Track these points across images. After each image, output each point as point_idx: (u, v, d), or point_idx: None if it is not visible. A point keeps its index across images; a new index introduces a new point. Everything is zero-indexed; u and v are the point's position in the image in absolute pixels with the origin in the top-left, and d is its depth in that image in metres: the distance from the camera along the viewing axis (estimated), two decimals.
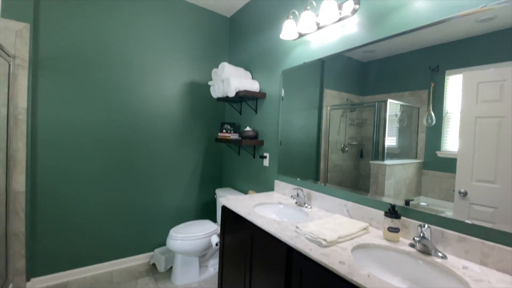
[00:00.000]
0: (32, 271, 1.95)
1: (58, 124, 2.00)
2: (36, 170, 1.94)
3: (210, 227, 2.19)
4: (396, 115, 1.28)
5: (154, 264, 2.35)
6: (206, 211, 2.74)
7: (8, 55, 1.75)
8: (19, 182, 1.85)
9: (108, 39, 2.16)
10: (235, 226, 1.55)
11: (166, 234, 2.50)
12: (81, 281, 2.08)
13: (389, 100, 1.31)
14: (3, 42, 1.74)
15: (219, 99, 2.44)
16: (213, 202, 2.75)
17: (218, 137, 2.46)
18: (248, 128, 2.21)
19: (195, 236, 2.05)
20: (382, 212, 1.25)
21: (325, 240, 1.04)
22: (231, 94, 2.11)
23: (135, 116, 2.31)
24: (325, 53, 1.63)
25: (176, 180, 2.55)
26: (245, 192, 2.37)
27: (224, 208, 1.67)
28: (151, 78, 2.37)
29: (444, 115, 1.08)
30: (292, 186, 1.82)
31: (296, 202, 1.65)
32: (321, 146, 1.67)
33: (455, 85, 1.04)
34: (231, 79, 2.09)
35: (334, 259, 0.93)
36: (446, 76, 1.07)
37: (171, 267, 2.27)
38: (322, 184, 1.62)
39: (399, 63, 1.25)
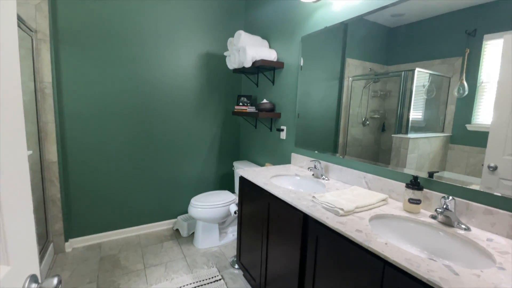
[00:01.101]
0: (70, 233, 2.17)
1: (82, 96, 2.07)
2: (65, 141, 2.06)
3: (229, 197, 2.28)
4: (423, 85, 1.20)
5: (177, 230, 2.53)
6: (224, 182, 2.84)
7: (30, 30, 1.77)
8: (52, 152, 1.98)
9: (125, 11, 2.12)
10: (252, 196, 1.60)
11: (187, 202, 2.64)
12: (113, 242, 2.29)
13: (417, 69, 1.22)
14: (24, 16, 1.76)
15: (235, 70, 2.39)
16: (231, 174, 2.84)
17: (235, 110, 2.46)
18: (265, 101, 2.18)
19: (215, 204, 2.16)
20: (403, 184, 1.24)
21: (342, 209, 1.06)
22: (248, 64, 2.06)
23: (154, 88, 2.34)
24: (349, 15, 1.52)
25: (195, 152, 2.62)
26: (262, 165, 2.41)
27: (241, 179, 1.72)
28: (167, 50, 2.35)
29: (478, 85, 1.00)
30: (309, 159, 1.82)
31: (313, 174, 1.67)
32: (341, 119, 1.62)
33: (493, 51, 0.95)
34: (247, 48, 2.03)
35: (351, 227, 0.96)
36: (484, 42, 0.98)
37: (193, 233, 2.43)
38: (341, 156, 1.60)
39: (430, 27, 1.14)
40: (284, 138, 2.10)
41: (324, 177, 1.61)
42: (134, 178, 2.37)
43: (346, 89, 1.58)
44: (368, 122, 1.46)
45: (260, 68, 2.18)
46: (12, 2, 0.53)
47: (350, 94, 1.56)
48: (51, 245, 2.05)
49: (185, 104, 2.51)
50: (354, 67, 1.53)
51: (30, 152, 1.26)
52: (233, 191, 2.67)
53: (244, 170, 1.77)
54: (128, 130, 2.28)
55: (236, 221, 2.48)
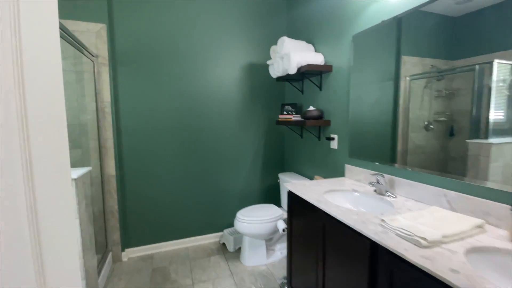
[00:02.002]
0: (126, 243, 2.28)
1: (136, 113, 2.20)
2: (122, 155, 2.20)
3: (275, 212, 2.14)
4: (504, 80, 0.95)
5: (224, 244, 2.47)
6: (270, 195, 2.72)
7: (92, 55, 1.95)
8: (110, 166, 2.12)
9: (173, 30, 2.23)
10: (303, 213, 1.44)
11: (233, 215, 2.58)
12: (164, 254, 2.34)
13: (496, 61, 0.97)
14: (86, 43, 1.95)
15: (278, 78, 2.30)
16: (277, 186, 2.70)
17: (279, 119, 2.34)
18: (311, 108, 2.02)
19: (261, 219, 2.04)
20: (505, 206, 0.95)
21: (424, 238, 0.84)
22: (292, 70, 1.94)
23: (199, 102, 2.37)
24: (406, 7, 1.29)
25: (240, 163, 2.57)
26: (311, 178, 2.23)
27: (290, 194, 1.58)
28: (211, 64, 2.38)
29: None
30: (368, 172, 1.59)
31: (375, 190, 1.43)
32: (399, 124, 1.40)
33: None
34: (291, 54, 1.91)
35: (443, 266, 0.73)
36: None
37: (240, 248, 2.35)
38: (409, 168, 1.35)
39: (509, 11, 0.90)
40: (336, 147, 1.90)
41: (389, 193, 1.36)
42: (183, 190, 2.41)
43: (403, 90, 1.38)
44: (432, 126, 1.24)
45: (306, 74, 2.04)
46: (56, 36, 0.50)
47: (409, 95, 1.35)
48: (110, 254, 2.17)
49: (229, 115, 2.49)
50: (411, 65, 1.34)
51: (90, 168, 1.33)
52: (279, 205, 2.53)
53: (293, 184, 1.62)
54: (177, 143, 2.35)
55: (283, 238, 2.31)
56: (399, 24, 1.37)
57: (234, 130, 2.52)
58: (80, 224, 1.18)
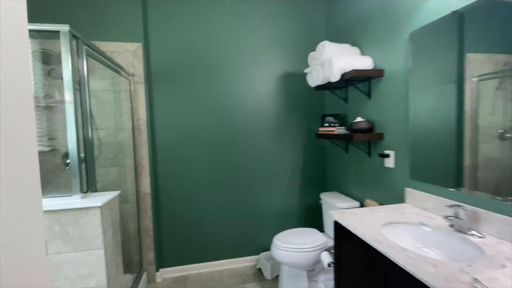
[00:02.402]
0: (160, 262, 2.22)
1: (171, 130, 2.17)
2: (157, 173, 2.17)
3: (318, 239, 1.88)
4: None
5: (260, 269, 2.27)
6: (310, 217, 2.45)
7: (129, 74, 1.98)
8: (145, 184, 2.10)
9: (206, 46, 2.18)
10: (355, 252, 1.17)
11: (269, 237, 2.37)
12: (198, 276, 2.22)
13: None
14: (123, 63, 1.98)
15: (318, 87, 2.07)
16: (318, 207, 2.42)
17: (319, 132, 2.10)
18: (359, 119, 1.75)
19: (301, 248, 1.80)
20: None
21: None
22: (335, 78, 1.70)
23: (233, 116, 2.26)
24: None
25: (277, 181, 2.37)
26: (360, 200, 1.92)
27: (337, 225, 1.32)
28: (245, 77, 2.26)
29: None
30: (437, 198, 1.26)
31: (451, 225, 1.11)
32: (465, 134, 1.14)
33: None
34: (333, 60, 1.68)
35: None
36: None
37: (278, 275, 2.12)
38: (498, 198, 1.00)
39: None
40: (392, 166, 1.58)
41: (473, 232, 1.03)
42: (218, 209, 2.29)
43: (469, 92, 1.10)
44: (509, 135, 0.99)
45: (351, 80, 1.78)
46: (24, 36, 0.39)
47: (476, 99, 1.10)
48: (145, 274, 2.12)
49: (264, 129, 2.32)
50: (478, 63, 1.10)
51: (118, 192, 1.27)
52: (321, 229, 2.24)
53: (340, 213, 1.36)
54: (211, 160, 2.25)
55: (328, 269, 2.02)
56: (461, 17, 1.10)
57: (270, 145, 2.34)
58: (105, 254, 1.10)
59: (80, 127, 1.22)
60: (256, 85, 2.29)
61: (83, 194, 1.14)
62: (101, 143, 2.03)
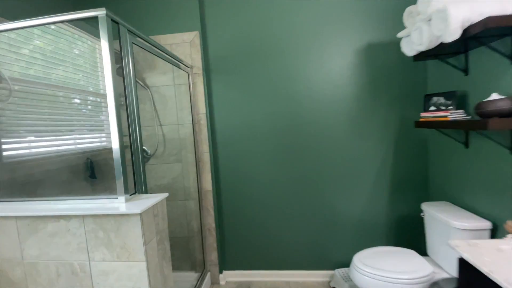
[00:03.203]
0: (224, 264, 2.10)
1: (231, 123, 1.98)
2: (218, 169, 2.03)
3: (420, 267, 1.35)
4: None
5: None
6: (404, 233, 1.87)
7: (187, 66, 1.86)
8: (207, 181, 1.99)
9: (267, 27, 1.87)
10: None
11: (347, 251, 1.94)
12: (262, 284, 2.00)
13: None
14: (181, 55, 1.88)
15: (418, 56, 1.48)
16: (416, 220, 1.82)
17: (422, 119, 1.52)
18: (495, 96, 1.12)
19: (395, 278, 1.31)
20: None
21: None
22: (452, 35, 1.12)
23: (301, 104, 1.90)
24: None
25: (356, 183, 1.90)
26: (492, 219, 1.27)
27: (466, 265, 0.82)
28: (314, 56, 1.85)
29: None
30: None
31: None
32: None
33: None
34: (450, 8, 1.10)
35: None
36: None
37: None
38: None
39: None
40: None
41: None
42: (284, 211, 2.00)
43: None
44: None
45: (480, 38, 1.16)
46: None
47: None
48: (208, 274, 2.04)
49: (339, 118, 1.87)
50: None
51: (165, 195, 1.13)
52: (422, 252, 1.66)
53: (472, 247, 0.85)
54: (277, 154, 1.96)
55: None
56: None
57: (348, 137, 1.87)
58: (148, 267, 0.96)
59: (126, 125, 1.12)
60: (327, 64, 1.85)
61: (127, 197, 1.03)
62: (165, 139, 2.01)
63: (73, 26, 1.64)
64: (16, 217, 1.01)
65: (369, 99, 1.83)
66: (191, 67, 1.90)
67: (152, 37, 1.90)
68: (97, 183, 1.74)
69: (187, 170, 2.01)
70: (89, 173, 1.98)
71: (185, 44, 1.89)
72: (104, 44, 0.98)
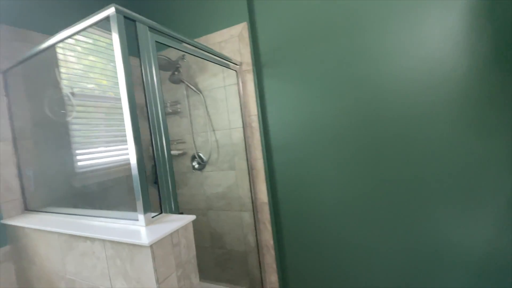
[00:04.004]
0: (285, 287, 1.81)
1: (288, 124, 1.68)
2: (274, 178, 1.76)
3: None
4: None
5: None
6: None
7: (236, 64, 1.67)
8: (262, 192, 1.75)
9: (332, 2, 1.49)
10: None
11: None
12: None
13: None
14: (230, 53, 1.71)
15: None
16: None
17: None
18: None
19: None
20: None
21: None
22: None
23: (382, 93, 1.41)
24: None
25: (473, 201, 1.27)
26: None
27: None
28: (398, 24, 1.34)
29: None
30: None
31: None
32: None
33: None
34: None
35: None
36: None
37: None
38: None
39: None
40: None
41: None
42: (360, 239, 1.55)
43: None
44: None
45: None
46: None
47: None
48: None
49: (444, 108, 1.29)
50: None
51: (192, 217, 0.94)
52: None
53: None
54: (349, 162, 1.54)
55: None
56: None
57: (460, 135, 1.28)
58: None
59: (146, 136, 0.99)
60: (419, 34, 1.30)
61: (149, 219, 0.89)
62: (218, 145, 1.89)
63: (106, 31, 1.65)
64: (58, 233, 1.02)
65: (495, 76, 1.18)
66: (240, 64, 1.70)
67: (201, 38, 1.81)
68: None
69: (240, 178, 1.82)
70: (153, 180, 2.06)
71: (233, 39, 1.71)
72: (116, 46, 0.86)
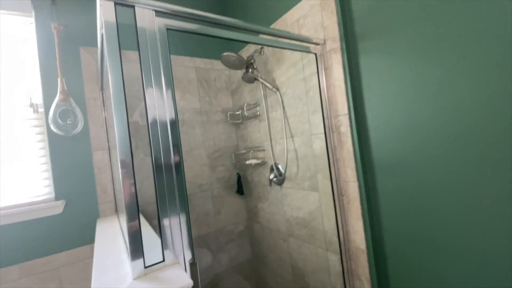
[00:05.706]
0: None
1: (399, 129, 1.01)
2: (378, 213, 1.12)
3: None
4: None
5: None
6: None
7: (317, 44, 1.19)
8: (357, 232, 1.16)
9: None
10: None
11: None
12: None
13: None
14: (311, 30, 1.24)
15: None
16: None
17: None
18: None
19: None
20: None
21: None
22: None
23: None
24: None
25: None
26: None
27: None
28: None
29: None
30: None
31: None
32: None
33: None
34: None
35: None
36: None
37: None
38: None
39: None
40: None
41: None
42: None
43: None
44: None
45: None
46: None
47: None
48: None
49: None
50: None
51: (189, 283, 0.60)
52: None
53: None
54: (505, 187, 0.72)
55: None
56: None
57: None
58: None
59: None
60: None
61: (141, 270, 0.63)
62: (297, 156, 1.45)
63: None
64: None
65: None
66: (323, 43, 1.19)
67: (279, 21, 1.44)
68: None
69: (326, 204, 1.30)
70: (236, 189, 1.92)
71: (314, 10, 1.22)
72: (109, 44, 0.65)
